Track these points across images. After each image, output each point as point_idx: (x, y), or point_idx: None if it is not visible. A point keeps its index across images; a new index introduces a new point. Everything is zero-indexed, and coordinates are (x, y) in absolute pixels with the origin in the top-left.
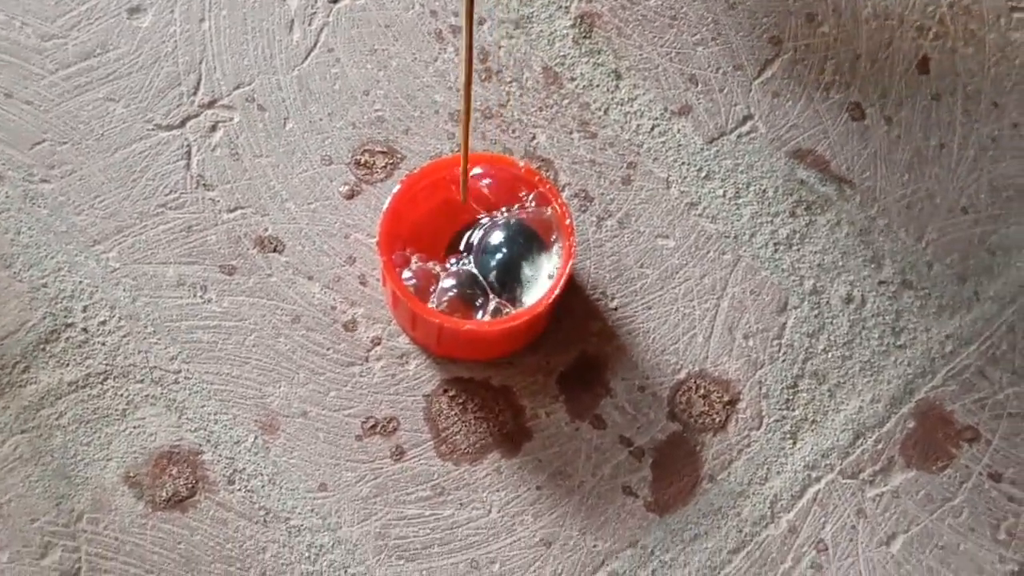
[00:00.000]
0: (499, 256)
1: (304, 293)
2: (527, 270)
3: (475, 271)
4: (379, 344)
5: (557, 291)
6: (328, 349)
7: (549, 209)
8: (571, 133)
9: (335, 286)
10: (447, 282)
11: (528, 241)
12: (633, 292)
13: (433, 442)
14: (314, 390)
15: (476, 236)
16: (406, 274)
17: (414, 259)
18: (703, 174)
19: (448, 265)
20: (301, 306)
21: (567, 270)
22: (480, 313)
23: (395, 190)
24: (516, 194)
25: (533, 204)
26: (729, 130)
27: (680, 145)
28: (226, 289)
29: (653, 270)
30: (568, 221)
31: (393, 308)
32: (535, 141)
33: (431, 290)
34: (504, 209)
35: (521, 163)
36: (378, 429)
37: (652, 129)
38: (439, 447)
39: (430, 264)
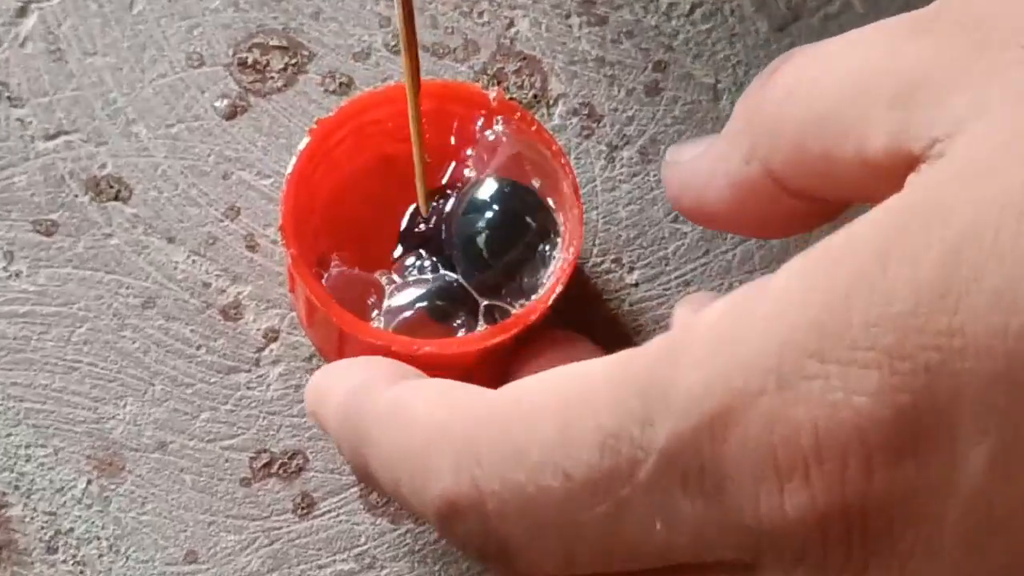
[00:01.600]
0: (490, 216)
1: (161, 263)
2: (534, 244)
3: (448, 276)
4: (276, 340)
5: (558, 289)
6: (199, 348)
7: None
8: (568, 17)
9: (209, 252)
10: (401, 297)
11: (529, 201)
12: (662, 259)
13: (358, 488)
14: (177, 410)
15: (445, 207)
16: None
17: (333, 262)
18: None
19: (404, 272)
20: (157, 282)
21: (572, 259)
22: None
23: (303, 144)
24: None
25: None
26: (810, 9)
27: (735, 34)
28: (43, 257)
29: (693, 227)
30: (567, 184)
31: (308, 325)
32: (513, 29)
33: (368, 302)
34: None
35: (492, 93)
36: (275, 469)
37: (691, 11)
38: (367, 496)
39: (377, 274)
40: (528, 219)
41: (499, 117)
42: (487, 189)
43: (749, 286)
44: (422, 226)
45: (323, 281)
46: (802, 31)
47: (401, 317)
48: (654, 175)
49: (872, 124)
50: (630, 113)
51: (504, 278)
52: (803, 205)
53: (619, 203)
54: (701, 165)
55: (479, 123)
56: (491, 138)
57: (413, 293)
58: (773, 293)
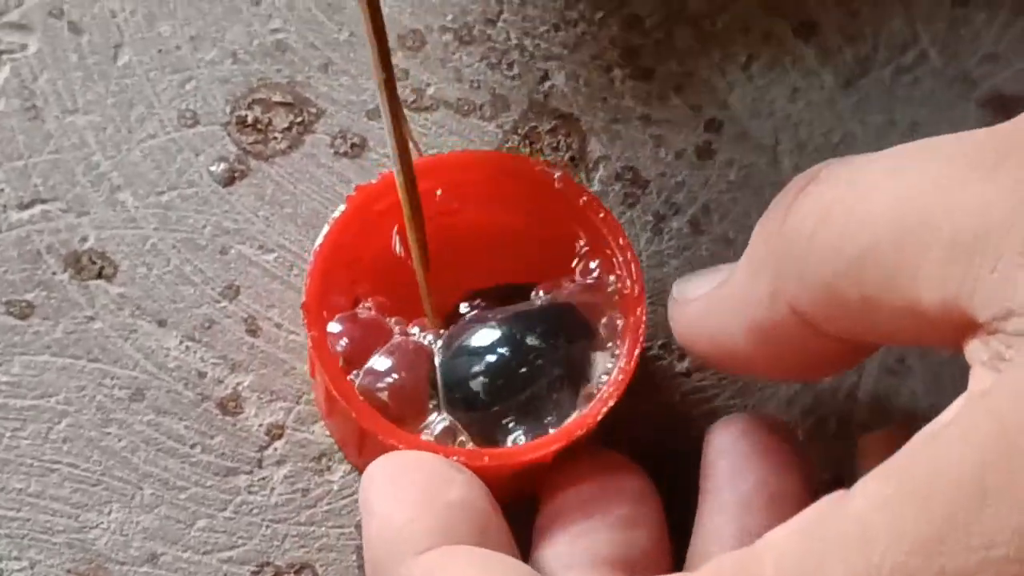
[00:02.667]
0: (492, 359)
1: (151, 350)
2: (555, 392)
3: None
4: (281, 437)
5: (610, 404)
6: (194, 446)
7: (613, 277)
8: (609, 70)
9: (204, 337)
10: (383, 361)
11: (567, 337)
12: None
13: None
14: (169, 517)
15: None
16: (334, 327)
17: (364, 304)
18: (836, 138)
19: (436, 334)
20: (147, 371)
21: (630, 371)
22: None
23: (338, 212)
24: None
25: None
26: (880, 64)
27: (797, 89)
28: (17, 343)
29: None
30: (637, 287)
31: (327, 415)
32: (547, 84)
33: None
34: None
35: (557, 173)
36: None
37: (748, 62)
38: None
39: (414, 330)
40: (540, 362)
41: (597, 261)
42: (494, 331)
43: (820, 506)
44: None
45: (334, 324)
46: (872, 86)
47: (378, 385)
48: (706, 248)
49: (923, 276)
50: (679, 178)
51: (509, 418)
52: (839, 346)
53: (668, 281)
54: (715, 304)
55: (580, 254)
56: (586, 281)
57: (390, 362)
58: (851, 525)
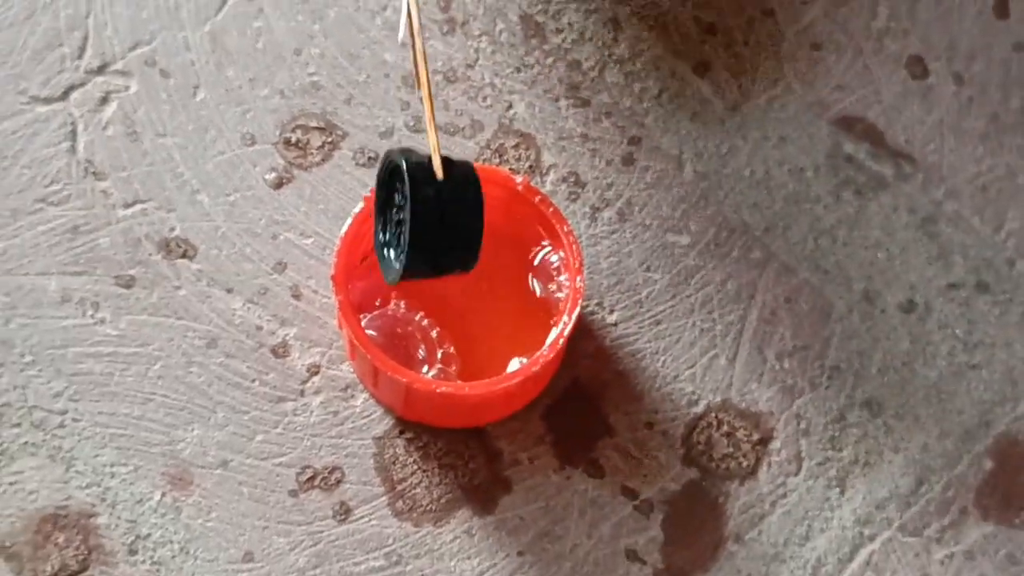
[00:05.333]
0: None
1: (222, 310)
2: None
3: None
4: (317, 374)
5: (565, 336)
6: (253, 381)
7: (561, 253)
8: (557, 100)
9: (261, 300)
10: (369, 331)
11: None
12: (637, 303)
13: (387, 497)
14: (236, 433)
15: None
16: (366, 324)
17: (393, 304)
18: (724, 149)
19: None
20: (218, 326)
21: (575, 314)
22: (426, 368)
23: (358, 208)
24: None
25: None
26: (757, 93)
27: (696, 113)
28: (123, 306)
29: (662, 274)
30: (576, 261)
31: (351, 358)
32: (511, 111)
33: (409, 338)
34: None
35: (519, 178)
36: (317, 482)
37: (660, 94)
38: (394, 504)
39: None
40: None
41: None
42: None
43: None
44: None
45: (368, 319)
46: (751, 110)
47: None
48: (630, 232)
49: None
50: (609, 180)
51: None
52: None
53: (600, 256)
54: None
55: (543, 250)
56: (555, 263)
57: (371, 330)
58: None
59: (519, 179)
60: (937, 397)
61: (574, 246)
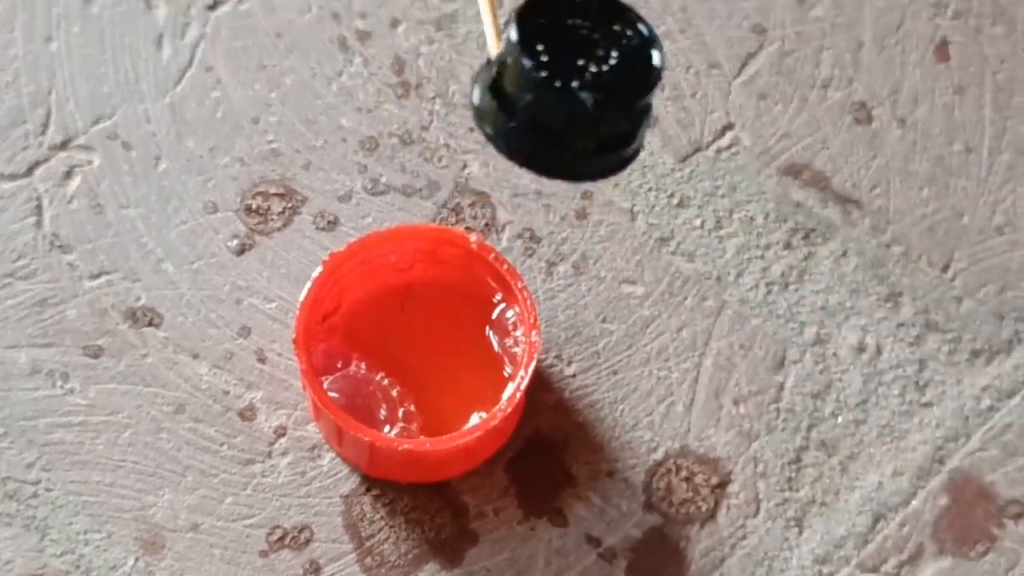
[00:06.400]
0: None
1: (189, 375)
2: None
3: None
4: (284, 435)
5: (522, 390)
6: (221, 444)
7: (515, 309)
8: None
9: (227, 365)
10: (331, 394)
11: None
12: (594, 354)
13: (356, 554)
14: (206, 496)
15: None
16: (328, 387)
17: (354, 366)
18: (676, 201)
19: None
20: (186, 392)
21: (531, 369)
22: (388, 427)
23: (316, 272)
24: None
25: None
26: (705, 144)
27: (646, 166)
28: (92, 376)
29: (618, 324)
30: (531, 316)
31: (315, 419)
32: (467, 171)
33: (372, 398)
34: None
35: (473, 237)
36: (287, 541)
37: None
38: (363, 560)
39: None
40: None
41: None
42: None
43: None
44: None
45: (329, 382)
46: (700, 160)
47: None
48: (585, 285)
49: None
50: (564, 235)
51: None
52: None
53: (558, 309)
54: None
55: (499, 306)
56: (511, 319)
57: (335, 393)
58: None
59: (473, 238)
60: (891, 435)
61: (528, 302)
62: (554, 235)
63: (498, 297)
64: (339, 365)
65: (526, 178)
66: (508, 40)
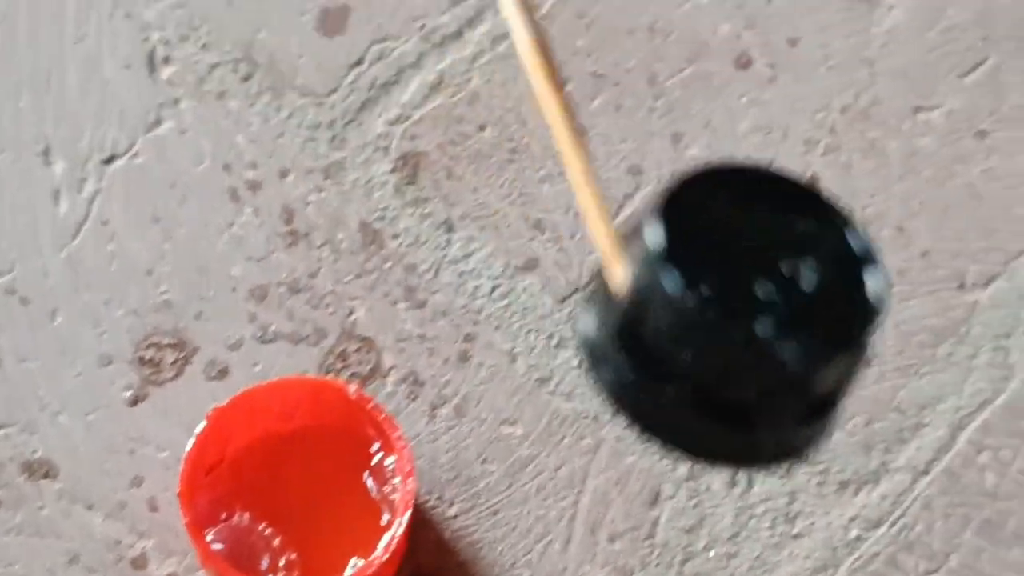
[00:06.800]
0: None
1: (83, 525)
2: None
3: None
4: None
5: (398, 536)
6: None
7: (394, 456)
8: (395, 303)
9: (119, 514)
10: (216, 545)
11: None
12: (475, 494)
13: None
14: None
15: None
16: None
17: (236, 516)
18: (555, 342)
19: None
20: (79, 542)
21: (407, 516)
22: None
23: (200, 427)
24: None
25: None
26: (584, 285)
27: (526, 308)
28: None
29: (499, 465)
30: (408, 465)
31: (202, 565)
32: (353, 317)
33: (255, 548)
34: None
35: (352, 387)
36: None
37: (492, 291)
38: None
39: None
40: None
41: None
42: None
43: None
44: None
45: (214, 532)
46: (578, 303)
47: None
48: (467, 426)
49: None
50: (447, 377)
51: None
52: None
53: (440, 451)
54: None
55: (378, 454)
56: (389, 466)
57: (219, 544)
58: None
59: (352, 388)
60: (762, 568)
61: (404, 450)
62: (437, 378)
63: (376, 446)
64: (223, 516)
65: (410, 322)
66: (647, 256)
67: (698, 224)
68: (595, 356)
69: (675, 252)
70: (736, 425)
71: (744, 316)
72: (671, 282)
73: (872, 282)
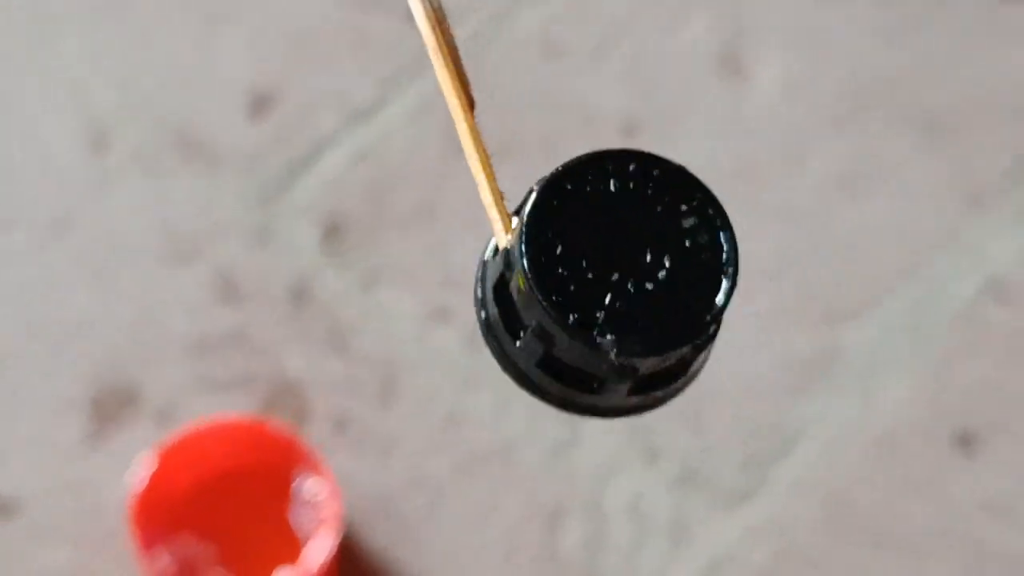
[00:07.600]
0: None
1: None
2: None
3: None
4: None
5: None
6: None
7: (317, 489)
8: (323, 352)
9: (76, 547)
10: (164, 559)
11: None
12: (401, 526)
13: None
14: None
15: None
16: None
17: (183, 544)
18: (469, 384)
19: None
20: None
21: (335, 544)
22: None
23: (148, 465)
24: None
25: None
26: None
27: (443, 353)
28: None
29: (423, 498)
30: (336, 499)
31: None
32: (284, 364)
33: None
34: None
35: (284, 428)
36: None
37: (412, 339)
38: None
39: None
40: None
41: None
42: None
43: None
44: None
45: (163, 559)
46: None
47: None
48: (391, 463)
49: None
50: (372, 418)
51: None
52: None
53: (366, 485)
54: None
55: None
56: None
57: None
58: None
59: (284, 429)
60: None
61: (332, 482)
62: (362, 419)
63: (307, 479)
64: (170, 545)
65: (337, 369)
66: (517, 226)
67: (577, 205)
68: (482, 300)
69: (539, 227)
70: (571, 385)
71: (583, 305)
72: (526, 253)
73: (721, 288)
